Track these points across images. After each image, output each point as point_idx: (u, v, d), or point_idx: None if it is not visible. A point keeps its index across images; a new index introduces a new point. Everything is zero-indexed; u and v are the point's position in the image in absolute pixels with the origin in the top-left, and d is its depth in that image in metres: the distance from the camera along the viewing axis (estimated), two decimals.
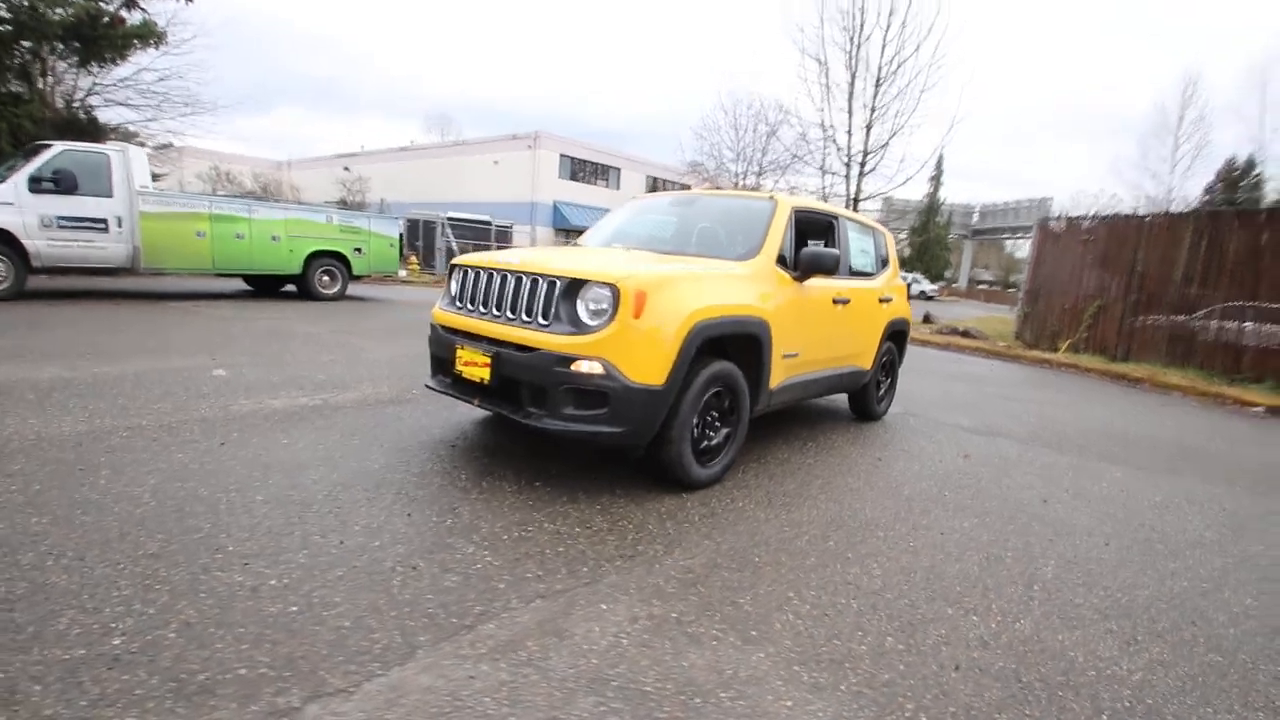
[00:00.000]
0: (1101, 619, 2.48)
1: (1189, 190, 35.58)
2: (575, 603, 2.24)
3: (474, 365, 3.33)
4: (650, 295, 3.04)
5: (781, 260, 3.95)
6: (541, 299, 3.18)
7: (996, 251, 67.07)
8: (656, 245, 4.21)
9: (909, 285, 6.43)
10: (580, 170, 32.28)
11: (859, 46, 16.51)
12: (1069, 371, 10.94)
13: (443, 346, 3.61)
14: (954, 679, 2.00)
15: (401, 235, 12.91)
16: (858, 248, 5.00)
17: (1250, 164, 32.48)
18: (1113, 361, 11.21)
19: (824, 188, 18.24)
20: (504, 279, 3.37)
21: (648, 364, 3.03)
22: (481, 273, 3.52)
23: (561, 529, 2.81)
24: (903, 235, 40.94)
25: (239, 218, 10.22)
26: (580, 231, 31.94)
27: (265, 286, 11.72)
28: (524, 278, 3.27)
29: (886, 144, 16.96)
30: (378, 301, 12.55)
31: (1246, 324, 9.99)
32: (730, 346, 3.54)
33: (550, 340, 3.07)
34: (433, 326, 3.77)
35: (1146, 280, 11.28)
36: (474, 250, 20.43)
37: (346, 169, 33.23)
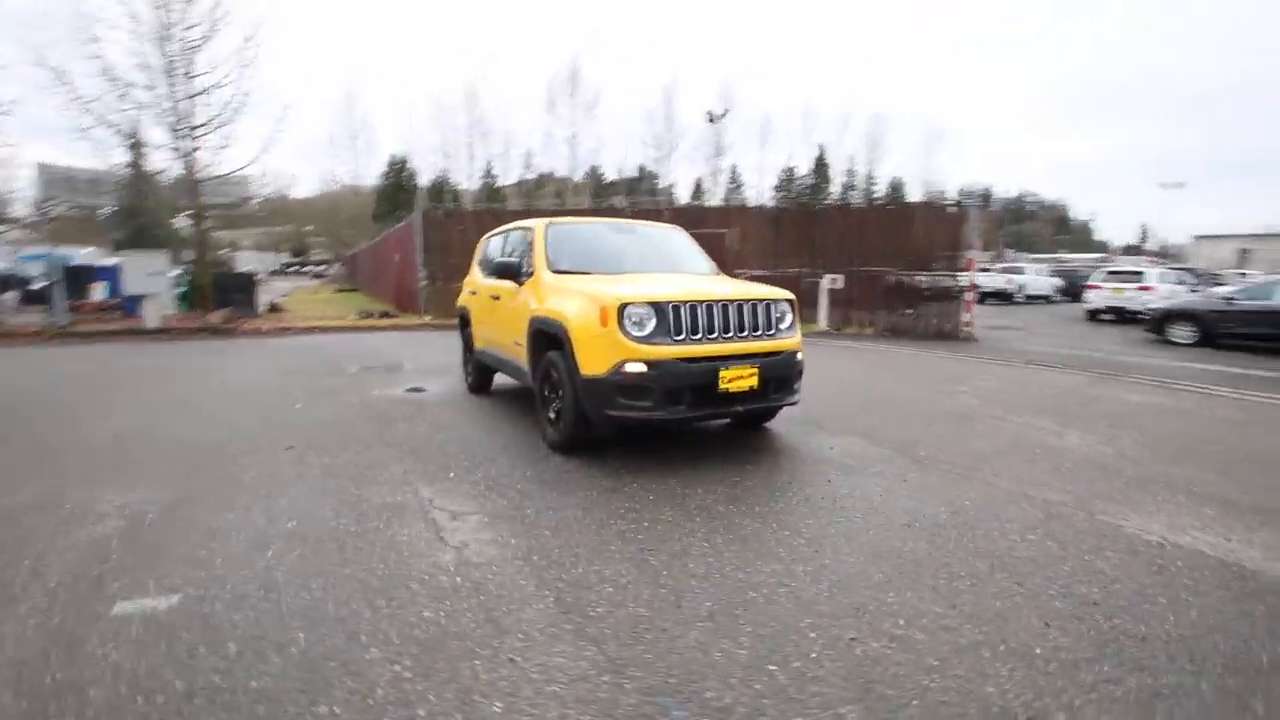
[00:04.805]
0: None
1: (371, 174, 44.26)
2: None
3: (742, 378, 4.14)
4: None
5: None
6: (763, 317, 4.38)
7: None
8: (659, 266, 5.17)
9: None
10: None
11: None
12: None
13: (693, 375, 4.01)
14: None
15: None
16: None
17: (405, 159, 43.40)
18: None
19: (138, 158, 14.94)
20: (723, 308, 4.22)
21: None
22: (700, 307, 4.13)
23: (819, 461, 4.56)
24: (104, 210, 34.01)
25: None
26: None
27: None
28: (744, 304, 4.30)
29: (212, 123, 15.36)
30: None
31: None
32: None
33: (785, 344, 4.44)
34: (656, 363, 3.94)
35: None
36: None
37: None
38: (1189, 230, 55.34)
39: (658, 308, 4.06)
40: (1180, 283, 18.75)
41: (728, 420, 5.16)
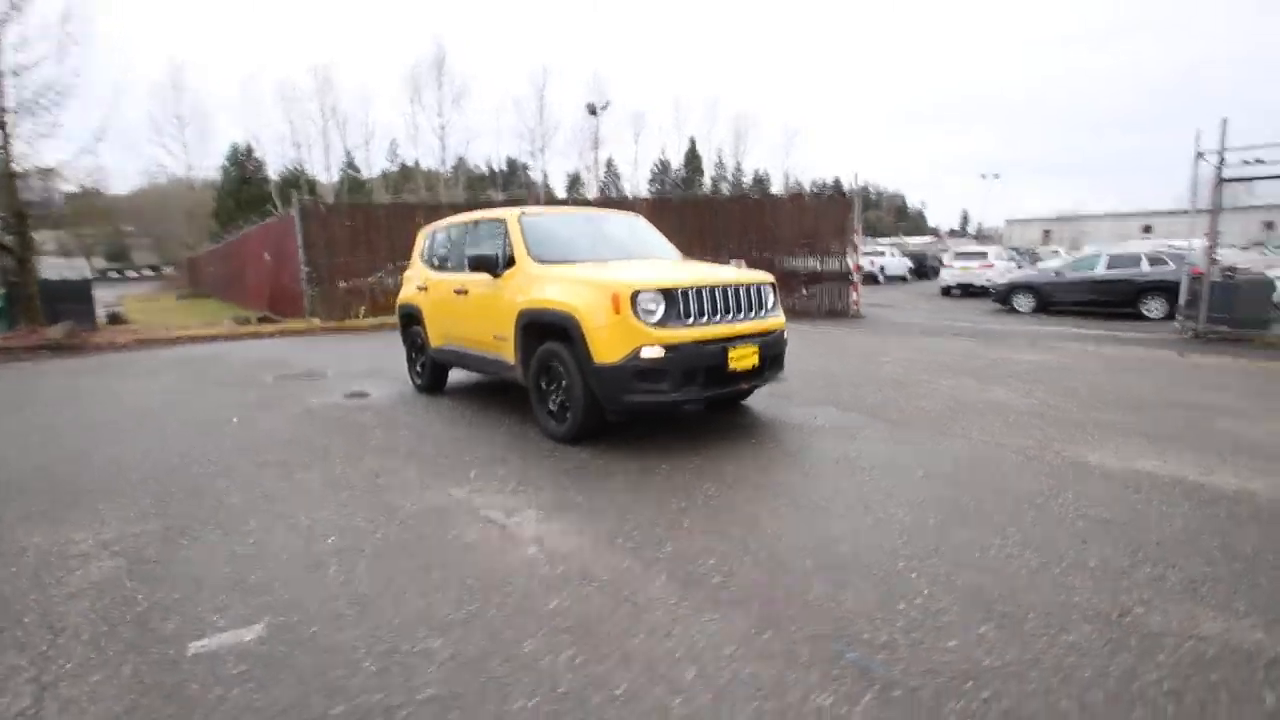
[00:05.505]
0: None
1: (207, 166, 39.64)
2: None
3: (747, 357, 4.34)
4: None
5: None
6: (755, 298, 4.62)
7: None
8: (634, 253, 5.21)
9: None
10: None
11: None
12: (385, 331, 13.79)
13: (705, 357, 4.15)
14: None
15: None
16: None
17: (250, 148, 39.24)
18: None
19: None
20: (723, 291, 4.41)
21: None
22: (704, 290, 4.28)
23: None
24: None
25: None
26: None
27: None
28: (739, 288, 4.50)
29: (26, 108, 13.12)
30: None
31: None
32: None
33: (776, 323, 4.71)
34: (673, 347, 4.03)
35: (408, 252, 15.12)
36: None
37: None
38: (1003, 215, 63.75)
39: (667, 293, 4.15)
40: (1011, 260, 21.70)
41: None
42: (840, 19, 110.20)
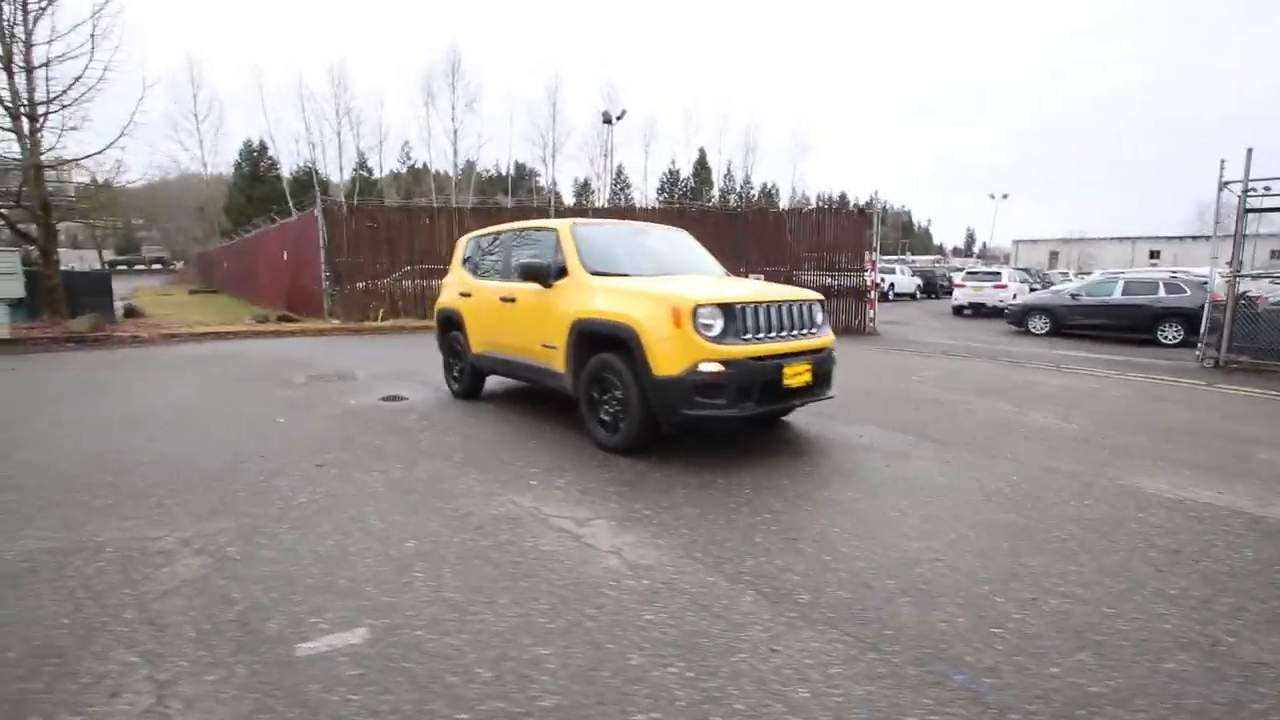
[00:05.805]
0: None
1: (220, 162, 39.81)
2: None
3: (801, 374, 4.40)
4: None
5: None
6: (807, 316, 4.67)
7: None
8: (682, 267, 5.27)
9: None
10: None
11: None
12: (421, 331, 13.85)
13: (761, 372, 4.20)
14: None
15: None
16: None
17: (264, 146, 39.40)
18: (423, 319, 14.83)
19: None
20: (778, 308, 4.46)
21: None
22: (760, 307, 4.34)
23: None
24: None
25: None
26: None
27: None
28: (792, 305, 4.56)
29: (57, 100, 13.21)
30: None
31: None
32: None
33: (826, 340, 4.76)
34: (731, 362, 4.08)
35: (426, 254, 15.20)
36: None
37: None
38: (1009, 235, 64.15)
39: (725, 309, 4.21)
40: (1024, 281, 21.82)
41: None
42: (847, 11, 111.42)
